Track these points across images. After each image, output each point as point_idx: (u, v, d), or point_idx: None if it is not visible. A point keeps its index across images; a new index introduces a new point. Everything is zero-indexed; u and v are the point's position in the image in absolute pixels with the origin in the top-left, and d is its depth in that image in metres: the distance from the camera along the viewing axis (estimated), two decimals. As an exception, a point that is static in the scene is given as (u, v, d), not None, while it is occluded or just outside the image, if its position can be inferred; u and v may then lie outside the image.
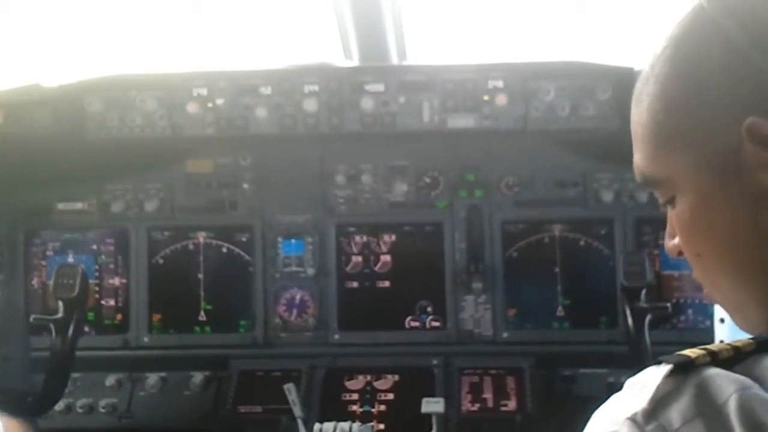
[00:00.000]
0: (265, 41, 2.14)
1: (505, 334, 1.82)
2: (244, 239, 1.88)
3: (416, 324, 1.85)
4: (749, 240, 0.69)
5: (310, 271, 1.87)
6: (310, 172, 1.90)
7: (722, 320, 1.58)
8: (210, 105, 1.78)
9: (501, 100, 1.79)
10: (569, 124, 1.78)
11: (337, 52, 1.97)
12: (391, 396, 1.77)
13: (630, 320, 1.72)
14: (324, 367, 1.81)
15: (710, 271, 0.74)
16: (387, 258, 1.87)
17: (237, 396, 1.79)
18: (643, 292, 1.74)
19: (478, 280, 1.82)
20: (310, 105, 1.79)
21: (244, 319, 1.88)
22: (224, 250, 1.89)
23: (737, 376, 0.59)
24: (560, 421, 1.74)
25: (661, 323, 1.76)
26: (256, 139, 1.83)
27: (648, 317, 1.70)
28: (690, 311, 1.81)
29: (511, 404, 1.74)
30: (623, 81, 1.77)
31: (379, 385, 1.79)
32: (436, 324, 1.84)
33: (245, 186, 1.90)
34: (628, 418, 0.61)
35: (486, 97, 1.79)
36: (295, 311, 1.87)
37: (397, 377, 1.79)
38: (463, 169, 1.89)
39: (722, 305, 0.76)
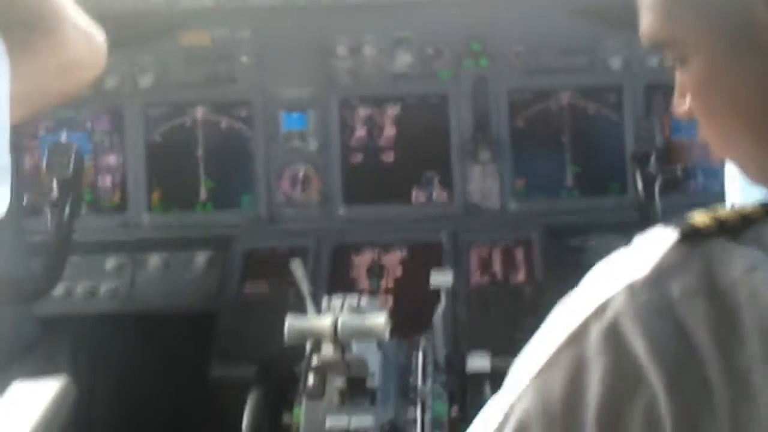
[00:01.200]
0: None
1: (513, 205, 1.80)
2: (244, 114, 1.82)
3: (423, 197, 1.82)
4: (764, 98, 0.65)
5: (313, 145, 1.82)
6: (310, 45, 1.83)
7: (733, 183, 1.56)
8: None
9: None
10: None
11: None
12: (399, 271, 1.75)
13: (640, 185, 1.70)
14: (330, 242, 1.79)
15: (723, 129, 0.70)
16: (391, 130, 1.82)
17: (242, 275, 1.76)
18: (653, 157, 1.72)
19: (485, 149, 1.78)
20: None
21: (246, 196, 1.83)
22: (223, 125, 1.83)
23: (745, 250, 0.56)
24: (570, 291, 1.74)
25: (672, 188, 1.73)
26: (255, 10, 1.76)
27: (658, 182, 1.69)
28: (700, 176, 1.79)
29: (521, 275, 1.74)
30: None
31: (386, 259, 1.77)
32: (443, 195, 1.81)
33: (244, 59, 1.83)
34: (628, 285, 0.56)
35: None
36: (299, 186, 1.82)
37: (405, 251, 1.77)
38: (468, 39, 1.83)
39: (736, 162, 0.72)
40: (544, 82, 1.81)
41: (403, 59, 1.83)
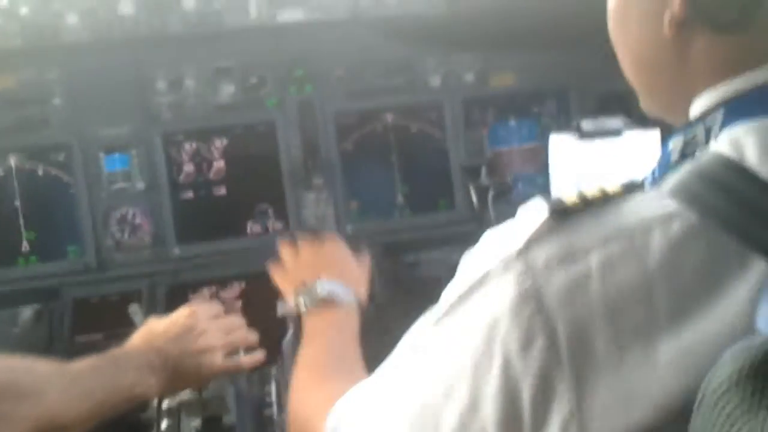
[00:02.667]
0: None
1: (349, 228, 1.82)
2: (61, 158, 1.73)
3: (258, 228, 1.80)
4: (648, 47, 0.74)
5: (140, 186, 1.76)
6: (127, 81, 1.77)
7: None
8: (14, 14, 1.61)
9: None
10: (398, 10, 1.77)
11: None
12: (239, 305, 1.74)
13: (474, 197, 1.78)
14: (165, 284, 1.74)
15: (622, 60, 0.80)
16: (221, 163, 1.79)
17: (73, 326, 1.69)
18: (483, 169, 1.81)
19: (317, 175, 1.79)
20: (126, 7, 1.66)
21: (72, 245, 1.74)
22: (40, 172, 1.73)
23: (603, 225, 0.63)
24: (408, 305, 1.79)
25: (503, 197, 1.82)
26: (65, 48, 1.68)
27: (491, 192, 1.77)
28: (521, 185, 1.88)
29: (361, 294, 1.76)
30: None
31: (225, 294, 1.75)
32: (279, 226, 1.80)
33: (56, 101, 1.74)
34: (502, 260, 0.64)
35: None
36: (128, 230, 1.76)
37: (243, 285, 1.76)
38: (291, 65, 1.82)
39: (635, 87, 0.82)
40: (368, 104, 1.84)
41: (227, 90, 1.80)
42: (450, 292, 0.70)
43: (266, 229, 1.80)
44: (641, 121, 1.59)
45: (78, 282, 1.73)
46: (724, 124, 0.68)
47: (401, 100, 1.85)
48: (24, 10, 1.63)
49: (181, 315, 1.28)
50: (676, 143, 0.73)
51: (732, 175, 0.62)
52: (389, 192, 1.84)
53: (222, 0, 1.71)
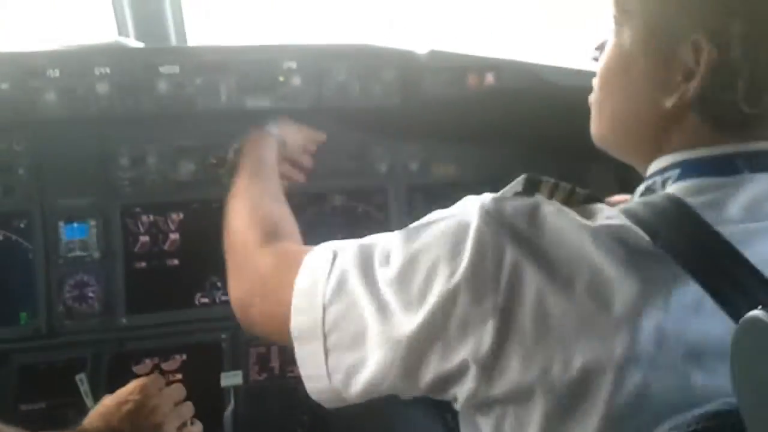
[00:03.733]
0: (35, 21, 2.06)
1: None
2: (22, 225, 1.81)
3: (206, 300, 1.87)
4: (638, 113, 0.84)
5: (96, 255, 1.83)
6: (91, 155, 1.86)
7: None
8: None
9: (296, 80, 1.85)
10: (358, 102, 1.89)
11: (111, 34, 1.94)
12: (179, 376, 1.78)
13: None
14: (109, 354, 1.79)
15: (599, 121, 0.94)
16: (175, 236, 1.87)
17: (19, 393, 1.71)
18: None
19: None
20: (103, 87, 1.75)
21: (25, 310, 1.80)
22: (0, 237, 1.81)
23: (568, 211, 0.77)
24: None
25: None
26: (33, 123, 1.76)
27: None
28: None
29: (297, 370, 1.81)
30: (405, 62, 1.91)
31: (167, 366, 1.79)
32: (226, 298, 1.86)
33: (20, 171, 1.83)
34: (480, 204, 0.80)
35: (281, 78, 1.84)
36: (80, 297, 1.82)
37: (185, 356, 1.81)
38: None
39: (596, 126, 0.96)
40: (318, 186, 1.94)
41: (187, 167, 1.90)
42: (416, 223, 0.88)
43: (214, 301, 1.87)
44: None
45: (27, 348, 1.77)
46: (679, 178, 0.81)
47: (351, 183, 1.96)
48: (4, 86, 1.70)
49: (132, 390, 1.32)
50: (639, 189, 0.87)
51: (673, 208, 0.74)
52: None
53: (194, 84, 1.81)
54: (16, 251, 1.81)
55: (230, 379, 1.74)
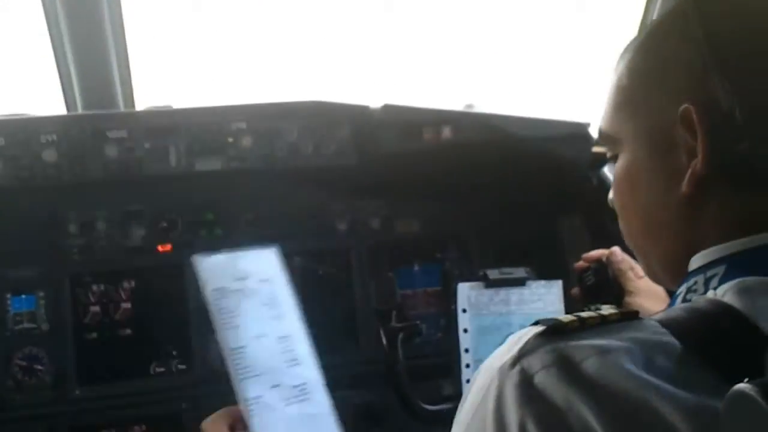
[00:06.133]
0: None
1: None
2: None
3: (162, 369, 1.80)
4: (660, 208, 0.78)
5: (45, 327, 1.76)
6: (39, 223, 1.81)
7: (465, 330, 1.68)
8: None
9: (246, 141, 1.82)
10: (312, 161, 1.86)
11: (58, 103, 1.90)
12: None
13: (384, 340, 1.81)
14: (64, 427, 1.72)
15: (628, 224, 0.85)
16: (127, 305, 1.81)
17: None
18: (394, 312, 1.86)
19: (223, 318, 1.81)
20: (50, 155, 1.72)
21: (-28, 386, 1.72)
22: None
23: (599, 342, 0.65)
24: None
25: (411, 338, 1.85)
26: None
27: (401, 336, 1.81)
28: (424, 325, 1.92)
29: None
30: (359, 118, 1.88)
31: (126, 437, 1.73)
32: (183, 367, 1.80)
33: None
34: (499, 368, 0.67)
35: (230, 139, 1.81)
36: (29, 370, 1.74)
37: (144, 427, 1.74)
38: (202, 210, 1.88)
39: (635, 254, 0.88)
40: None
41: (137, 232, 1.85)
42: (456, 420, 0.73)
43: (171, 370, 1.80)
44: (542, 271, 1.66)
45: None
46: (726, 277, 0.71)
47: (309, 244, 1.90)
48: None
49: None
50: (680, 291, 0.77)
51: (733, 323, 0.65)
52: (293, 334, 1.86)
53: (143, 148, 1.78)
54: (-39, 326, 1.74)
55: None
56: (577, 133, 2.02)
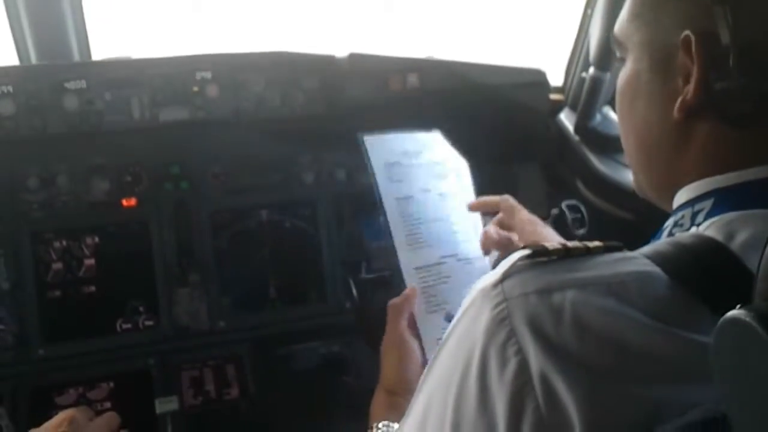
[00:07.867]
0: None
1: (221, 324, 1.81)
2: None
3: (128, 326, 1.77)
4: (654, 127, 0.79)
5: (5, 285, 1.72)
6: None
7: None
8: None
9: (212, 91, 1.79)
10: (280, 113, 1.83)
11: (10, 54, 1.83)
12: (108, 404, 1.69)
13: (354, 291, 1.81)
14: (28, 386, 1.68)
15: (626, 138, 0.86)
16: (91, 261, 1.77)
17: None
18: (364, 264, 1.86)
19: (190, 272, 1.79)
20: (6, 107, 1.66)
21: (-69, 348, 1.67)
22: None
23: (582, 275, 0.65)
24: (282, 398, 1.79)
25: (382, 290, 1.85)
26: None
27: (370, 286, 1.82)
28: (395, 277, 1.92)
29: (234, 391, 1.75)
30: (326, 68, 1.86)
31: (93, 395, 1.70)
32: (150, 323, 1.78)
33: None
34: (482, 288, 0.68)
35: (195, 88, 1.77)
36: (-10, 331, 1.70)
37: (112, 384, 1.72)
38: (167, 163, 1.85)
39: (628, 161, 0.88)
40: (243, 201, 1.87)
41: (100, 187, 1.80)
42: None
43: (137, 326, 1.78)
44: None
45: None
46: (713, 211, 0.73)
47: (276, 197, 1.88)
48: None
49: (59, 423, 1.21)
50: (667, 224, 0.78)
51: (715, 257, 0.66)
52: (262, 286, 1.86)
53: (104, 100, 1.73)
54: None
55: (165, 405, 1.69)
56: (535, 80, 2.03)
